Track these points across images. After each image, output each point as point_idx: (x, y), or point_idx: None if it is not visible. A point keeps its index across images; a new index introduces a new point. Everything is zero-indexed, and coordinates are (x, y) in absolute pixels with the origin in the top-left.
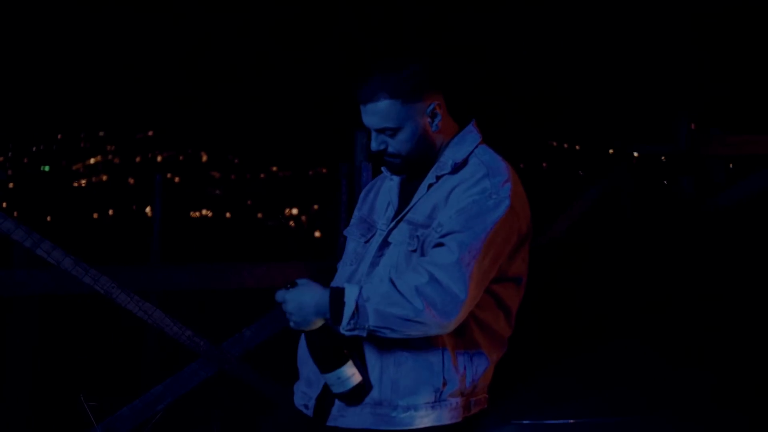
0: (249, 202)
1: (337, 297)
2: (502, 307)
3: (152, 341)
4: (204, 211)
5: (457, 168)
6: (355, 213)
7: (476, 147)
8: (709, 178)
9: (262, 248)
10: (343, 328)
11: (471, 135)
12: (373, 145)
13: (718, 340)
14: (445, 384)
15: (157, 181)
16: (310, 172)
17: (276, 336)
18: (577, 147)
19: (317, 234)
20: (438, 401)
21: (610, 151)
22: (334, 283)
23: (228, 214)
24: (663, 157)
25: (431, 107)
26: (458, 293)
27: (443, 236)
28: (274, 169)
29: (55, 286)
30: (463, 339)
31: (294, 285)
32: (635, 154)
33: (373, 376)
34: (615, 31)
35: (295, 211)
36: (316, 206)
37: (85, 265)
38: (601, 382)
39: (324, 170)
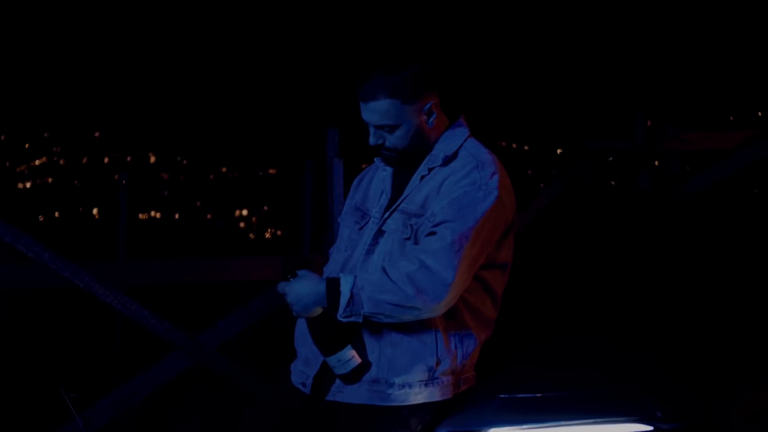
0: (198, 203)
1: (333, 287)
2: (488, 291)
3: (122, 334)
4: (153, 213)
5: (447, 160)
6: (348, 201)
7: (465, 140)
8: (664, 173)
9: (213, 248)
10: (340, 316)
11: (460, 129)
12: (372, 140)
13: (675, 325)
14: (438, 363)
15: (123, 178)
16: (260, 173)
17: (251, 329)
18: (526, 147)
19: (267, 234)
20: (431, 379)
21: (559, 150)
22: (328, 268)
23: (177, 215)
24: (611, 157)
25: (428, 106)
26: (447, 277)
27: (436, 225)
28: (224, 170)
29: (36, 281)
30: (454, 321)
31: (294, 276)
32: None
33: (372, 357)
34: (567, 32)
35: (245, 212)
36: (265, 207)
37: (65, 259)
38: (571, 362)
39: (273, 171)
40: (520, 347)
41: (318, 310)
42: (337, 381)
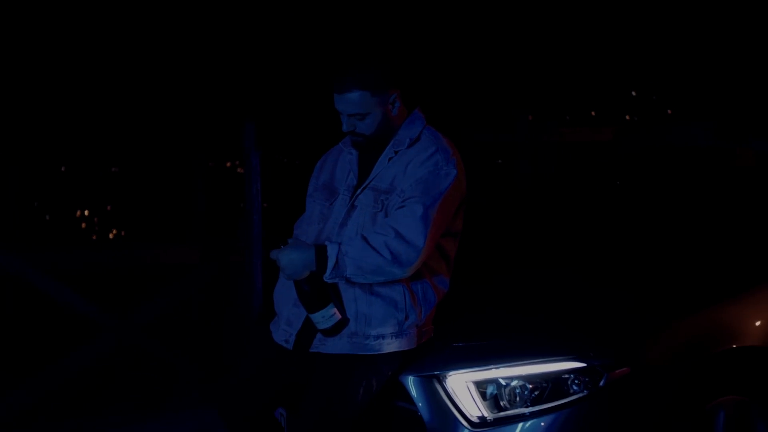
0: (36, 203)
1: (321, 253)
2: (444, 256)
3: (49, 317)
4: None
5: (412, 143)
6: (312, 181)
7: (424, 127)
8: (542, 162)
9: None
10: (326, 277)
11: (419, 117)
12: (344, 127)
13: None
14: (406, 318)
15: (13, 172)
16: (102, 172)
17: (175, 311)
18: None
19: (111, 234)
20: (400, 332)
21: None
22: (299, 238)
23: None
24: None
25: (393, 97)
26: (418, 244)
27: (405, 200)
28: (63, 169)
29: None
30: (418, 282)
31: (285, 244)
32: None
33: (350, 313)
34: (460, 32)
35: (86, 212)
36: (108, 207)
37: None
38: (509, 313)
39: (115, 169)
40: (468, 304)
41: (305, 273)
42: (319, 336)
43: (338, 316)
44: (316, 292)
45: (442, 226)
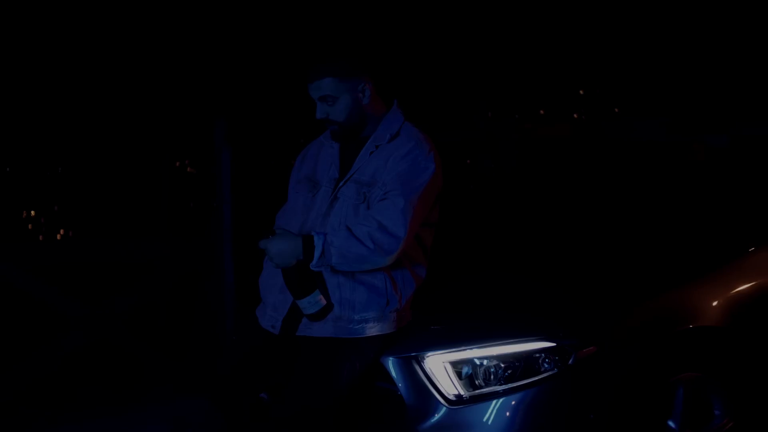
0: None
1: (308, 242)
2: (422, 245)
3: (24, 311)
4: None
5: (392, 138)
6: (294, 174)
7: (403, 123)
8: (505, 158)
9: None
10: (313, 266)
11: (397, 113)
12: (318, 114)
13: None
14: (388, 303)
15: None
16: (48, 172)
17: (148, 304)
18: None
19: (60, 234)
20: (382, 316)
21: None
22: (282, 228)
23: None
24: None
25: (361, 85)
26: (400, 234)
27: (387, 193)
28: (8, 169)
29: None
30: (399, 269)
31: (273, 234)
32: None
33: (335, 299)
34: (412, 31)
35: (32, 213)
36: (55, 207)
37: None
38: (482, 300)
39: (60, 169)
40: (444, 290)
41: (293, 261)
42: (304, 320)
43: (323, 301)
44: (303, 279)
45: (421, 217)
